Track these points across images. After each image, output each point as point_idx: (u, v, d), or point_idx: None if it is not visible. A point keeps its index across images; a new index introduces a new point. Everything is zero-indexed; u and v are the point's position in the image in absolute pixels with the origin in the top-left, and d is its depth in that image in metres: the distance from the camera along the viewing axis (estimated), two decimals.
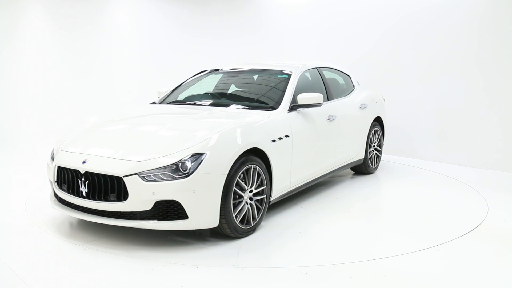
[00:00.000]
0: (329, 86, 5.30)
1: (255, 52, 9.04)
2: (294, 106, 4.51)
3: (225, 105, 4.62)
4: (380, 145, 6.25)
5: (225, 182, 3.53)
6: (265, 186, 3.96)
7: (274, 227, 4.10)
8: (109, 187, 3.51)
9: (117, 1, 9.52)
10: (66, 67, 9.36)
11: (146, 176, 3.40)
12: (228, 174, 3.55)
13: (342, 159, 5.35)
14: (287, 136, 4.24)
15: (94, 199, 3.57)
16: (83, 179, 3.61)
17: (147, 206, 3.42)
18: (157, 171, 3.41)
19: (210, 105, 4.73)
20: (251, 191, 3.83)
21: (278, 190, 4.21)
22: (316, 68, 5.30)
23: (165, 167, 3.41)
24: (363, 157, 5.82)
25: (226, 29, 9.36)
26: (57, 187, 3.89)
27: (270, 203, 4.15)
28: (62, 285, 3.00)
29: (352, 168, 6.05)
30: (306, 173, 4.66)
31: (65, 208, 3.84)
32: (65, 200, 3.85)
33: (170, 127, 3.91)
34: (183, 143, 3.55)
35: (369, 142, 5.90)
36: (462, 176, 6.01)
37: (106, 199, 3.53)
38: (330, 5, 8.18)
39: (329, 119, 4.95)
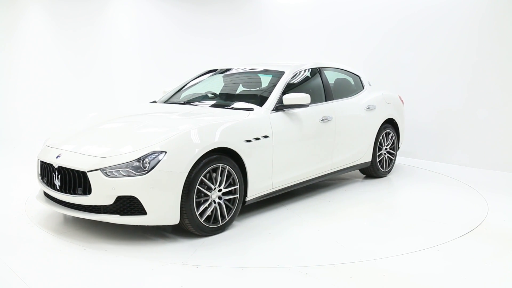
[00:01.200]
0: (329, 86, 5.22)
1: (255, 51, 9.04)
2: (279, 107, 4.48)
3: (221, 105, 4.65)
4: (393, 148, 6.01)
5: (186, 181, 3.60)
6: (237, 186, 3.98)
7: (251, 227, 4.10)
8: (77, 181, 3.69)
9: (117, 1, 9.52)
10: (66, 67, 9.35)
11: (109, 172, 3.55)
12: (190, 172, 3.62)
13: (343, 161, 5.24)
14: (266, 136, 4.23)
15: (65, 192, 3.78)
16: (56, 173, 3.83)
17: (109, 200, 3.56)
18: (119, 167, 3.55)
19: (196, 104, 4.82)
20: (220, 190, 3.87)
21: (257, 190, 4.23)
22: (317, 68, 5.24)
23: (126, 164, 3.54)
24: (370, 159, 5.64)
25: (226, 28, 9.36)
26: (40, 180, 4.14)
27: (246, 203, 4.17)
28: (62, 285, 3.00)
29: (361, 171, 5.92)
30: (293, 174, 4.59)
31: (45, 202, 4.03)
32: (48, 194, 4.08)
33: (144, 125, 4.05)
34: (148, 141, 3.67)
35: (378, 145, 5.71)
36: (462, 176, 6.01)
37: (75, 192, 3.71)
38: (330, 5, 8.18)
39: (323, 120, 4.86)
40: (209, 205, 3.80)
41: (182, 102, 4.98)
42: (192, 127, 3.80)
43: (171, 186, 3.55)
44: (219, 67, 5.59)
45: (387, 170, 5.96)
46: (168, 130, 3.78)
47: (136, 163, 3.53)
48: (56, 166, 3.82)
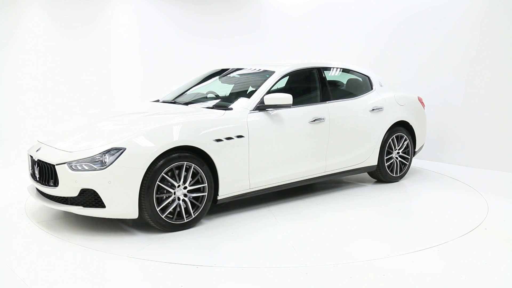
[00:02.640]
0: (327, 87, 5.09)
1: (255, 50, 9.05)
2: (261, 107, 4.46)
3: (219, 106, 4.64)
4: (407, 152, 5.73)
5: (144, 177, 3.72)
6: (205, 184, 4.03)
7: (218, 225, 4.13)
8: (49, 173, 3.94)
9: (117, 0, 9.51)
10: (67, 66, 9.35)
11: (74, 165, 3.75)
12: (149, 169, 3.73)
13: (340, 163, 5.09)
14: (240, 136, 4.23)
15: (42, 183, 4.03)
16: (36, 165, 4.10)
17: (74, 193, 3.77)
18: (82, 161, 3.74)
19: (185, 104, 4.86)
20: (185, 188, 3.94)
21: (231, 189, 4.26)
22: (315, 68, 5.12)
23: (89, 159, 3.74)
24: (375, 163, 5.43)
25: (226, 28, 9.37)
26: (29, 172, 4.40)
27: (218, 202, 4.22)
28: (62, 285, 3.01)
29: (371, 175, 5.70)
30: (275, 175, 4.55)
31: (34, 194, 4.23)
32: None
33: (120, 123, 4.25)
34: (111, 138, 3.84)
35: (385, 148, 5.46)
36: (462, 176, 6.01)
37: (48, 184, 3.97)
38: (330, 5, 8.18)
39: (314, 121, 4.77)
40: (173, 201, 3.89)
41: (182, 102, 4.97)
42: (154, 126, 3.92)
43: (129, 181, 3.69)
44: (228, 66, 5.54)
45: (398, 174, 5.69)
46: (134, 128, 3.95)
47: (97, 158, 3.72)
48: (35, 159, 4.09)
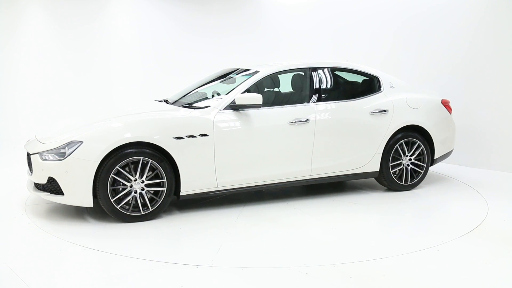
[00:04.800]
0: (319, 88, 4.91)
1: (256, 50, 9.05)
2: (233, 106, 4.46)
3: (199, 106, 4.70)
4: (421, 160, 5.26)
5: (98, 169, 3.99)
6: (164, 180, 4.18)
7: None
8: (30, 162, 4.31)
9: (117, 0, 9.51)
10: (67, 66, 9.35)
11: (43, 156, 4.12)
12: (102, 162, 4.00)
13: (329, 168, 4.86)
14: (204, 135, 4.30)
15: (30, 172, 4.36)
16: (27, 155, 4.49)
17: (43, 180, 4.13)
18: (49, 152, 4.10)
19: (173, 104, 5.01)
20: (143, 182, 4.15)
21: (195, 186, 4.35)
22: (309, 68, 4.96)
23: (54, 150, 4.08)
24: (377, 169, 5.08)
25: (226, 27, 9.37)
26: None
27: (180, 198, 4.34)
28: (62, 285, 3.01)
29: (380, 183, 5.33)
30: (248, 176, 4.52)
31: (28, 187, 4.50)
32: None
33: (97, 119, 4.45)
34: (78, 131, 4.15)
35: (391, 154, 5.08)
36: (462, 176, 6.01)
37: (30, 171, 4.36)
38: (329, 5, 8.18)
39: (295, 122, 4.64)
40: (129, 194, 4.12)
41: (186, 102, 4.96)
42: (111, 124, 4.20)
43: (83, 172, 3.99)
44: (239, 66, 5.48)
45: (409, 183, 5.24)
46: (96, 124, 4.24)
47: (61, 150, 4.05)
48: (25, 150, 4.51)
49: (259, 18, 9.19)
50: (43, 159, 4.10)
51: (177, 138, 4.21)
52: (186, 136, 4.24)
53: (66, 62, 9.36)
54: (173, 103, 5.04)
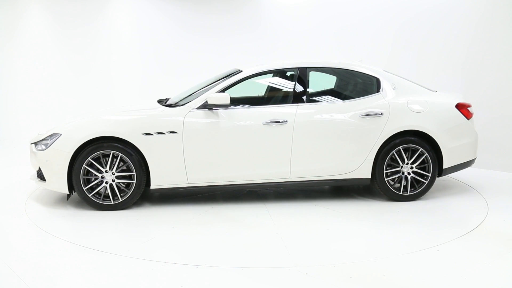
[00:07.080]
0: (304, 89, 4.78)
1: (256, 50, 9.04)
2: (207, 106, 4.56)
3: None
4: (426, 168, 4.84)
5: (72, 159, 4.41)
6: (133, 173, 4.48)
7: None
8: None
9: (117, 0, 9.52)
10: (67, 66, 9.35)
11: (36, 146, 4.61)
12: (75, 154, 4.41)
13: (310, 171, 4.69)
14: (173, 132, 4.48)
15: None
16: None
17: (36, 167, 4.64)
18: (40, 143, 4.58)
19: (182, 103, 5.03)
20: (113, 174, 4.49)
21: (165, 182, 4.55)
22: (298, 68, 4.85)
23: (42, 141, 4.57)
24: (368, 176, 4.77)
25: (226, 27, 9.37)
26: None
27: (151, 191, 4.56)
28: (62, 285, 3.01)
29: (384, 192, 4.88)
30: (219, 174, 4.58)
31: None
32: None
33: (86, 116, 4.83)
34: (62, 126, 4.59)
35: (385, 160, 4.75)
36: (462, 176, 6.01)
37: None
38: (329, 5, 8.18)
39: (271, 123, 4.56)
40: (101, 184, 4.48)
41: (185, 101, 4.95)
42: (87, 119, 4.60)
43: (59, 162, 4.42)
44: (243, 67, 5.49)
45: (409, 193, 4.85)
46: (78, 119, 4.67)
47: (45, 141, 4.53)
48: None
49: (259, 18, 9.19)
50: (36, 149, 4.57)
51: (146, 134, 4.46)
52: (156, 133, 4.47)
53: (66, 62, 9.36)
54: (176, 103, 5.03)
